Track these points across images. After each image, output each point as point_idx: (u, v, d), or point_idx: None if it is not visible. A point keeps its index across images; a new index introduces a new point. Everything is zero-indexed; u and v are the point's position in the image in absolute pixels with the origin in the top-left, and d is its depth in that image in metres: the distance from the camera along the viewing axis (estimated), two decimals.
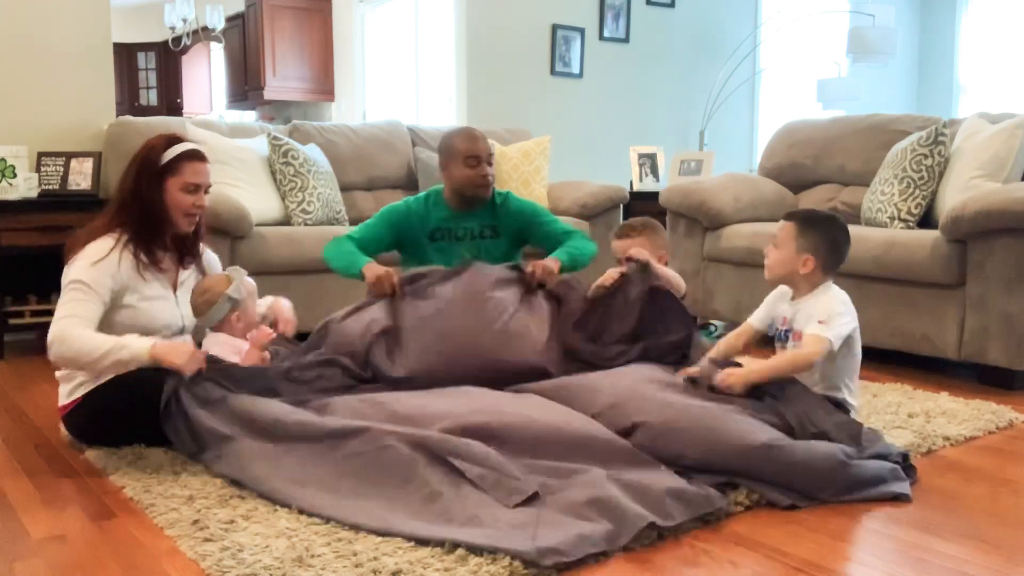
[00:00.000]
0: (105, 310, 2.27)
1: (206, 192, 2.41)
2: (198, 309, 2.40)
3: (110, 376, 2.26)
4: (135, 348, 2.17)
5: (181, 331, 2.44)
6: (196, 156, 2.38)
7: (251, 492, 1.94)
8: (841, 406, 2.27)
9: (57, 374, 2.37)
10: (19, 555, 1.71)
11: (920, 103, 7.61)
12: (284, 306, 2.67)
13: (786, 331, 2.38)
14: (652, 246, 2.71)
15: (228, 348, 2.36)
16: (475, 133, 2.90)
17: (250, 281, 2.48)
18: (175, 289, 2.45)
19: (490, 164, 2.87)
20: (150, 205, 2.33)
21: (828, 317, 2.23)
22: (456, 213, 2.92)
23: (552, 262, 2.77)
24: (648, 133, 6.35)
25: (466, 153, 2.83)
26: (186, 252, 2.48)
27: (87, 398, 2.28)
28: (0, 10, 3.90)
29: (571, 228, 2.98)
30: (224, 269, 2.59)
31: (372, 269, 2.72)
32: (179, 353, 2.19)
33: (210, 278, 2.45)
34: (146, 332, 2.30)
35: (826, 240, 2.34)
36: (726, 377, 2.19)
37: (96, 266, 2.25)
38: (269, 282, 3.58)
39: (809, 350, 2.20)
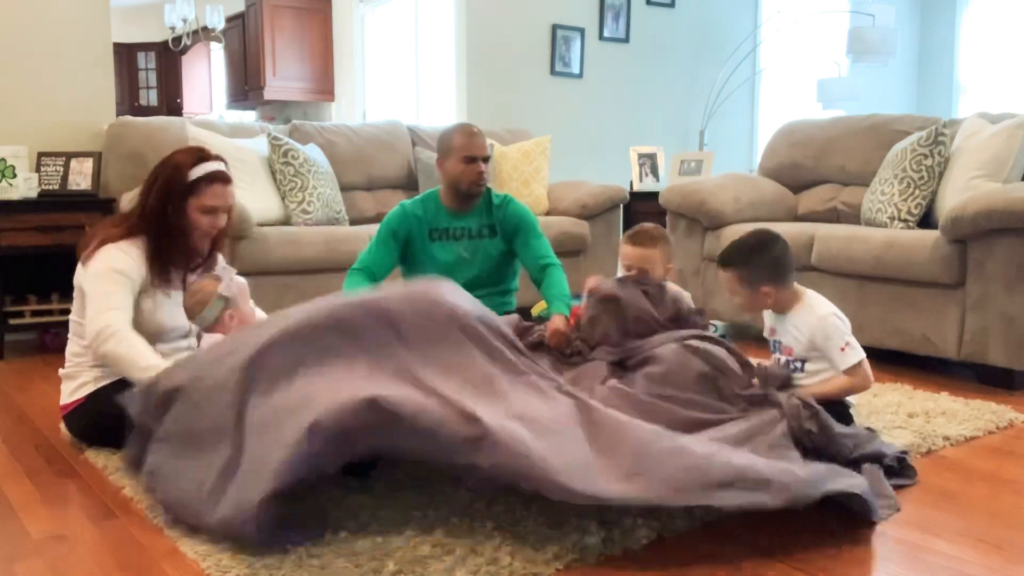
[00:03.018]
0: (133, 300, 2.28)
1: (227, 212, 2.42)
2: (191, 311, 2.40)
3: (115, 377, 2.27)
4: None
5: (187, 334, 2.45)
6: (220, 178, 2.38)
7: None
8: (841, 404, 2.28)
9: (60, 372, 2.38)
10: (19, 555, 1.71)
11: (920, 103, 7.61)
12: None
13: (776, 342, 2.39)
14: (664, 258, 2.63)
15: None
16: (473, 130, 2.89)
17: (241, 280, 2.48)
18: (184, 291, 2.46)
19: (486, 162, 2.87)
20: (173, 225, 2.35)
21: (839, 338, 2.24)
22: (453, 213, 2.92)
23: (563, 323, 2.69)
24: (648, 133, 6.36)
25: (462, 151, 2.84)
26: (198, 263, 2.49)
27: (90, 398, 2.29)
28: (0, 10, 3.90)
29: (553, 259, 2.93)
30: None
31: None
32: None
33: (200, 280, 2.44)
34: (154, 333, 2.32)
35: (768, 264, 2.31)
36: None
37: (126, 257, 2.28)
38: (269, 282, 3.60)
39: (861, 383, 2.25)
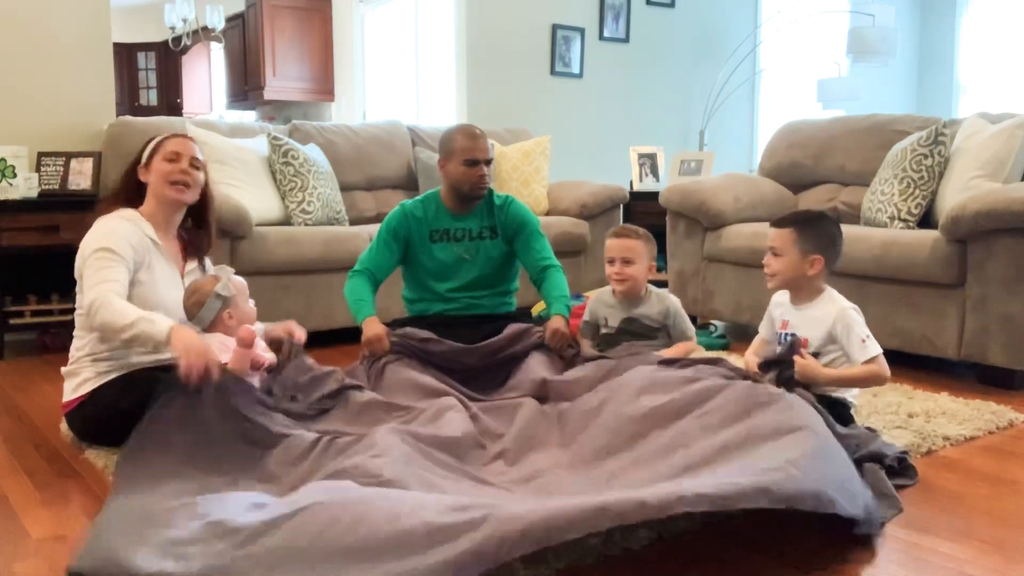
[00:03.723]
0: (130, 277, 2.29)
1: (195, 167, 2.46)
2: (189, 311, 2.40)
3: (117, 374, 2.27)
4: (159, 325, 2.14)
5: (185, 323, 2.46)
6: (178, 135, 2.49)
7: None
8: (842, 404, 2.28)
9: (63, 369, 2.38)
10: (19, 555, 1.71)
11: (920, 103, 7.62)
12: (293, 324, 2.69)
13: (786, 335, 2.38)
14: (647, 253, 2.72)
15: (221, 347, 2.35)
16: (475, 132, 2.89)
17: (239, 279, 2.48)
18: (182, 277, 2.50)
19: (488, 165, 2.86)
20: (136, 179, 2.46)
21: (859, 330, 2.26)
22: (454, 214, 2.92)
23: (562, 324, 2.74)
24: (648, 133, 6.36)
25: (464, 153, 2.83)
26: (194, 246, 2.55)
27: (93, 395, 2.28)
28: (0, 10, 3.90)
29: (553, 261, 2.94)
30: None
31: (370, 327, 2.74)
32: (190, 349, 2.10)
33: (197, 280, 2.46)
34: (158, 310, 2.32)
35: (826, 237, 2.36)
36: (808, 367, 2.23)
37: (114, 234, 2.30)
38: (269, 282, 3.60)
39: (881, 373, 2.24)
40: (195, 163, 2.46)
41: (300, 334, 2.61)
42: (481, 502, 1.56)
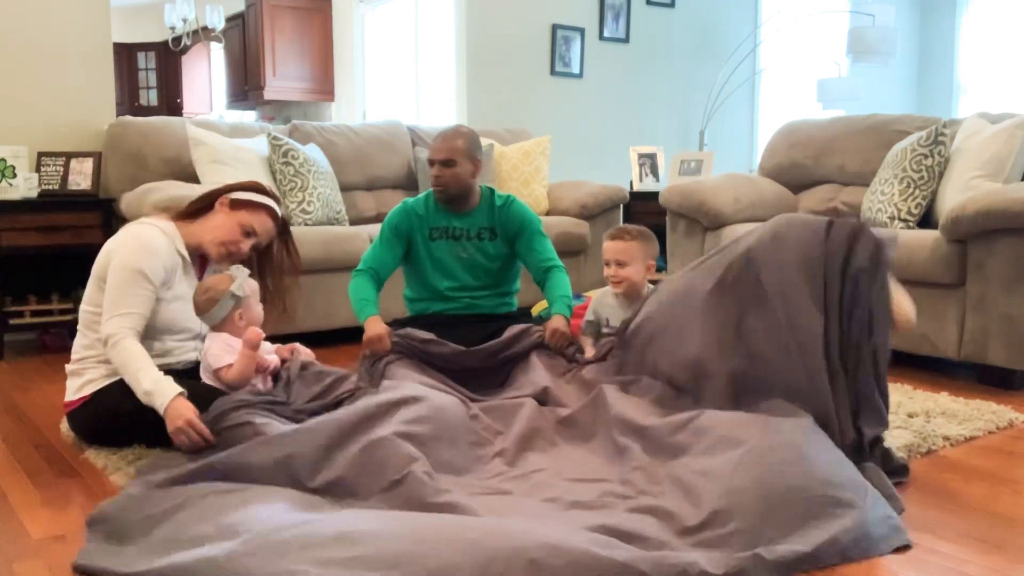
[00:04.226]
0: (153, 301, 2.30)
1: (256, 248, 2.50)
2: (201, 307, 2.40)
3: (120, 376, 2.27)
4: (156, 399, 2.13)
5: (195, 336, 2.46)
6: (274, 210, 2.51)
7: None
8: None
9: (67, 367, 2.37)
10: (19, 555, 1.71)
11: (920, 103, 7.62)
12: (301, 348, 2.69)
13: None
14: (643, 254, 2.72)
15: (227, 348, 2.35)
16: (444, 132, 2.89)
17: (252, 281, 2.48)
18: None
19: (446, 165, 2.82)
20: (209, 210, 2.47)
21: None
22: (454, 213, 2.92)
23: (562, 324, 2.75)
24: (648, 133, 6.36)
25: (428, 154, 2.88)
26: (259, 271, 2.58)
27: (96, 396, 2.28)
28: (0, 10, 3.90)
29: (556, 261, 2.94)
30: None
31: (372, 327, 2.74)
32: (176, 420, 2.10)
33: (212, 277, 2.45)
34: (166, 330, 2.34)
35: None
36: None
37: (152, 255, 2.30)
38: None
39: None
40: (257, 247, 2.49)
41: (303, 353, 2.62)
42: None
